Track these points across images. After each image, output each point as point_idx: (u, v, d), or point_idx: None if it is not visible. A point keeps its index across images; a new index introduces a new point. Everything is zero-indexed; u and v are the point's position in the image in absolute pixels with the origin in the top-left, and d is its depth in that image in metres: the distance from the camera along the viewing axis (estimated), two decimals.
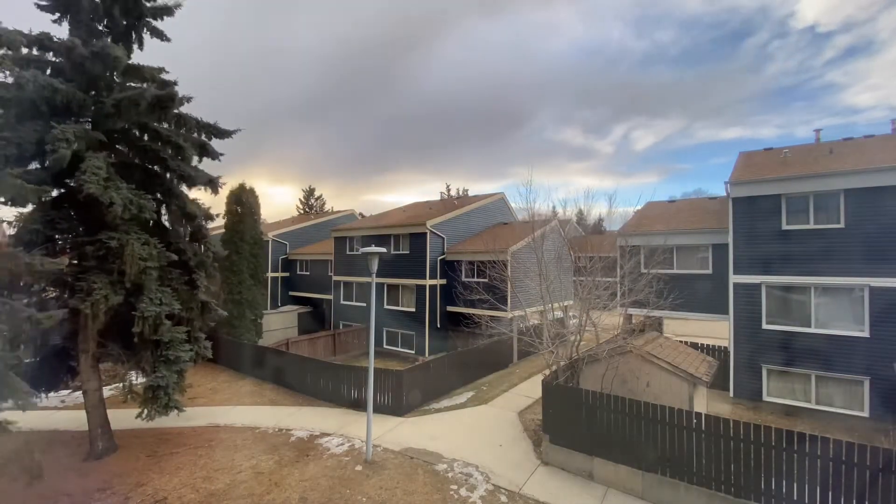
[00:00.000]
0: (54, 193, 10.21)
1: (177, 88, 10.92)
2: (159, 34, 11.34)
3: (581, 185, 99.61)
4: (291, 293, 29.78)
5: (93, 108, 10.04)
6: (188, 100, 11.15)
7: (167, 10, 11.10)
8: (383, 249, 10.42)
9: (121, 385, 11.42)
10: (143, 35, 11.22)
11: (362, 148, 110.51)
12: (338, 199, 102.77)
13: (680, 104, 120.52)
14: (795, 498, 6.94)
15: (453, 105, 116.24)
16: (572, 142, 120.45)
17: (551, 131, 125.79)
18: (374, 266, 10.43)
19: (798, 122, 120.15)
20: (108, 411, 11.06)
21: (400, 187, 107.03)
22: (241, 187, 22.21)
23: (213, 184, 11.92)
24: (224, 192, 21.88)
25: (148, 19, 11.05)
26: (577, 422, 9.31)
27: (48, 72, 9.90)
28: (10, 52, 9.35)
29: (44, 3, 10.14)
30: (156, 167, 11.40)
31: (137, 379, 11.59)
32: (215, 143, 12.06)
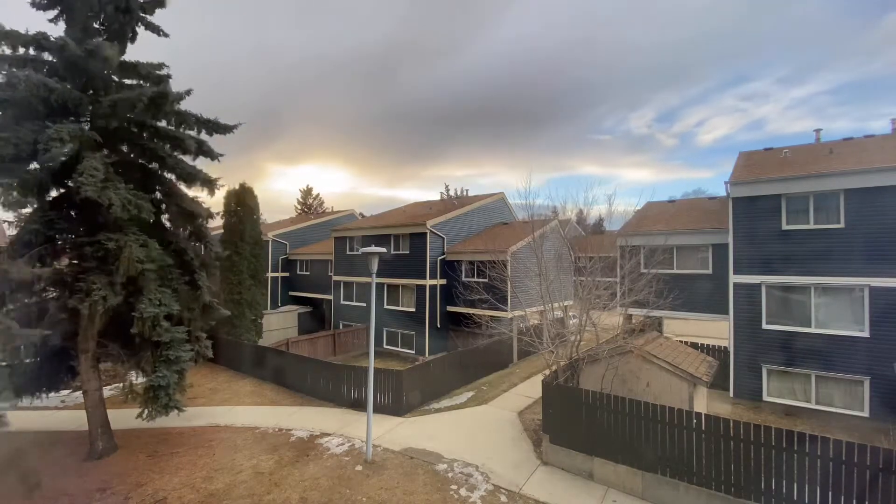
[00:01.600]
0: (53, 194, 10.21)
1: (176, 83, 10.91)
2: (155, 29, 11.26)
3: (630, 178, 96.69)
4: (291, 293, 29.77)
5: (90, 107, 10.03)
6: (188, 93, 10.98)
7: (159, 3, 11.04)
8: (383, 249, 10.41)
9: (121, 385, 11.43)
10: (138, 30, 11.15)
11: (403, 136, 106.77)
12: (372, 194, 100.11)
13: (781, 84, 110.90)
14: (795, 498, 6.94)
15: (514, 86, 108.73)
16: (635, 132, 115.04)
17: (614, 119, 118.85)
18: (374, 266, 10.43)
19: (880, 114, 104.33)
20: (108, 411, 11.05)
21: (437, 182, 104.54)
22: (242, 187, 22.21)
23: (210, 184, 11.86)
24: (223, 193, 21.97)
25: (140, 14, 10.99)
26: (577, 422, 9.31)
27: (45, 71, 9.88)
28: (6, 52, 9.35)
29: (39, 0, 10.12)
30: (155, 165, 11.38)
31: (138, 379, 11.59)
32: (217, 142, 12.09)
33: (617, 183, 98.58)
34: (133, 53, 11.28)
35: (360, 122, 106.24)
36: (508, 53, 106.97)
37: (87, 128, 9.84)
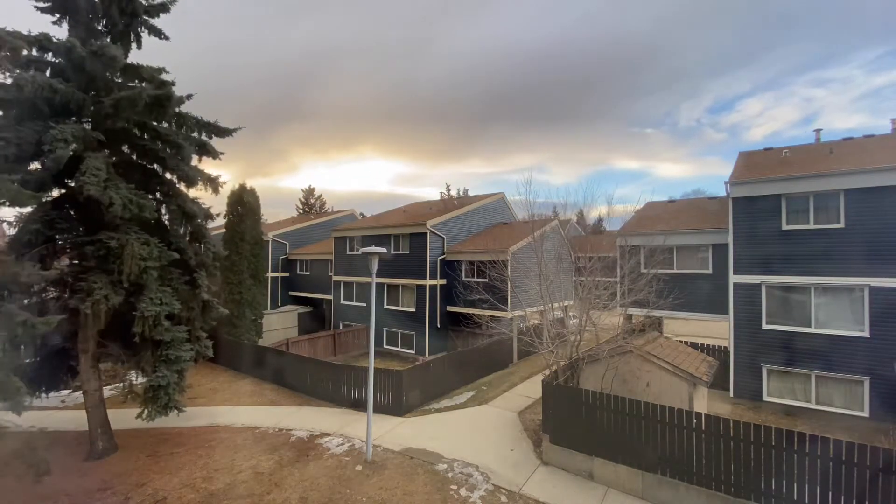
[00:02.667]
0: (54, 194, 10.22)
1: (177, 88, 10.90)
2: (157, 32, 11.31)
3: (665, 174, 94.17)
4: (291, 293, 29.77)
5: (92, 108, 10.04)
6: (188, 97, 11.12)
7: (163, 7, 11.09)
8: (383, 249, 10.41)
9: (121, 385, 11.43)
10: (141, 33, 11.20)
11: (429, 134, 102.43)
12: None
13: (863, 70, 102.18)
14: (795, 498, 6.94)
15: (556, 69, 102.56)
16: (682, 124, 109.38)
17: (665, 108, 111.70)
18: (375, 266, 10.43)
19: None
20: (108, 411, 11.06)
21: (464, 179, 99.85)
22: (243, 187, 22.20)
23: (213, 182, 11.91)
24: (226, 192, 21.96)
25: (144, 17, 11.02)
26: (577, 422, 9.31)
27: (48, 72, 9.90)
28: (9, 54, 9.35)
29: (43, 4, 10.14)
30: (155, 166, 11.41)
31: (137, 379, 11.59)
32: (218, 142, 12.14)
33: (648, 179, 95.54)
34: (140, 55, 11.36)
35: (385, 119, 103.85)
36: (552, 38, 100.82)
37: (88, 128, 9.86)
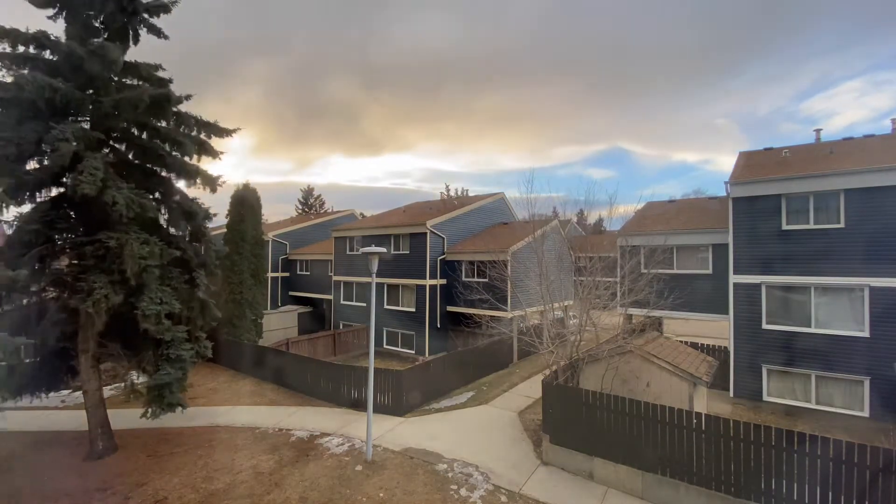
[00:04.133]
0: (53, 193, 10.21)
1: (174, 87, 10.94)
2: (156, 31, 11.27)
3: (717, 167, 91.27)
4: (291, 293, 29.78)
5: (91, 107, 10.02)
6: (188, 97, 11.12)
7: (163, 7, 11.05)
8: (383, 249, 10.41)
9: (121, 385, 11.44)
10: (140, 31, 11.14)
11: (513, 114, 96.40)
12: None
13: None
14: (795, 498, 6.94)
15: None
16: (758, 113, 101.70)
17: (749, 92, 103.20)
18: (375, 266, 10.43)
19: None
20: (108, 411, 11.06)
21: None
22: (244, 187, 22.19)
23: (212, 182, 11.89)
24: (226, 192, 21.92)
25: (144, 16, 10.99)
26: (577, 422, 9.31)
27: (45, 70, 9.88)
28: (8, 50, 9.36)
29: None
30: (155, 166, 11.40)
31: (138, 378, 11.59)
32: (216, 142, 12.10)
33: (696, 174, 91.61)
34: (142, 45, 11.28)
35: (414, 109, 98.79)
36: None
37: (87, 127, 9.85)
